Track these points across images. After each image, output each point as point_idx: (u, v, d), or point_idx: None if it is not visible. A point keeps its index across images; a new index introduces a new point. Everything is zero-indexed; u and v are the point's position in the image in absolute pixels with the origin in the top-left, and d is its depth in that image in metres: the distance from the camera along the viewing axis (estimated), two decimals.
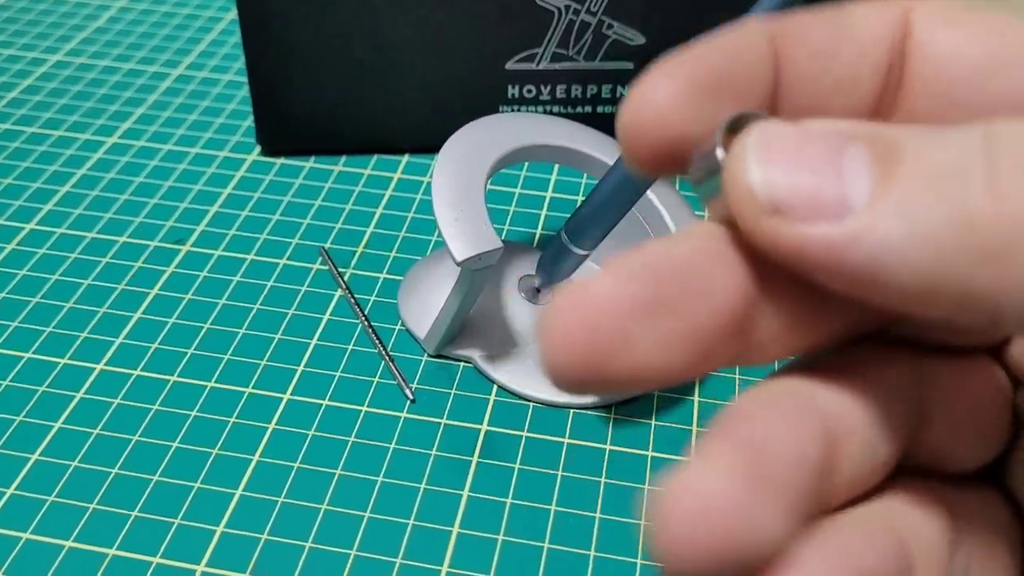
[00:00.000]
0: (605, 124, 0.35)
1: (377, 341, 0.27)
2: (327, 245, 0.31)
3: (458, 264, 0.23)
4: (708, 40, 0.11)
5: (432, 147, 0.35)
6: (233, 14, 0.44)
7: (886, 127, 0.11)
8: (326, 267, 0.30)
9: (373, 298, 0.29)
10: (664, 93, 0.11)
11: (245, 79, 0.37)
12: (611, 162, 0.26)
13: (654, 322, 0.11)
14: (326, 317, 0.28)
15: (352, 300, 0.29)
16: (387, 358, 0.27)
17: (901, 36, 0.12)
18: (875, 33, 0.12)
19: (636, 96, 0.11)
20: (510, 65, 0.33)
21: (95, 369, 0.26)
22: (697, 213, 0.29)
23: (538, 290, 0.27)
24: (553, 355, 0.10)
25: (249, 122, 0.37)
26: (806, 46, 0.12)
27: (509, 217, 0.33)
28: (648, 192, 0.27)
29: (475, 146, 0.26)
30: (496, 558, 0.22)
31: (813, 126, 0.11)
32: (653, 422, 0.25)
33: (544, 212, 0.33)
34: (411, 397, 0.26)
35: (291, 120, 0.34)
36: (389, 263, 0.30)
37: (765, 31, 0.12)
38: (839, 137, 0.10)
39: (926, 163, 0.10)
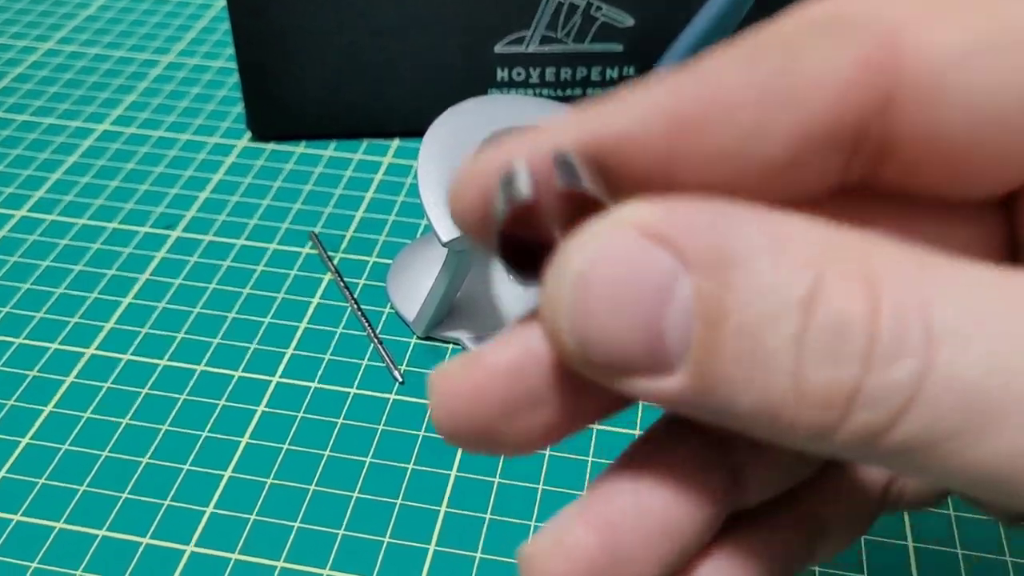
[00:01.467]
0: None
1: (366, 324, 0.27)
2: (317, 229, 0.31)
3: (444, 245, 0.23)
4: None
5: (422, 131, 0.35)
6: (223, 0, 0.44)
7: (723, 256, 0.09)
8: (316, 251, 0.30)
9: (362, 281, 0.29)
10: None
11: (235, 65, 0.37)
12: None
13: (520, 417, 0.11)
14: (315, 301, 0.28)
15: (341, 283, 0.29)
16: (376, 341, 0.27)
17: (882, 82, 0.10)
18: (834, 89, 0.10)
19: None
20: (499, 48, 0.33)
21: (85, 353, 0.27)
22: None
23: None
24: (437, 419, 0.11)
25: (239, 108, 0.37)
26: (720, 133, 0.10)
27: None
28: None
29: (461, 128, 0.26)
30: (483, 536, 0.22)
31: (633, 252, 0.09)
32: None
33: None
34: (400, 379, 0.26)
35: (281, 105, 0.34)
36: (379, 247, 0.30)
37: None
38: (665, 279, 0.09)
39: (744, 332, 0.09)
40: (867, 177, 0.11)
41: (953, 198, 0.11)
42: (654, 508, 0.12)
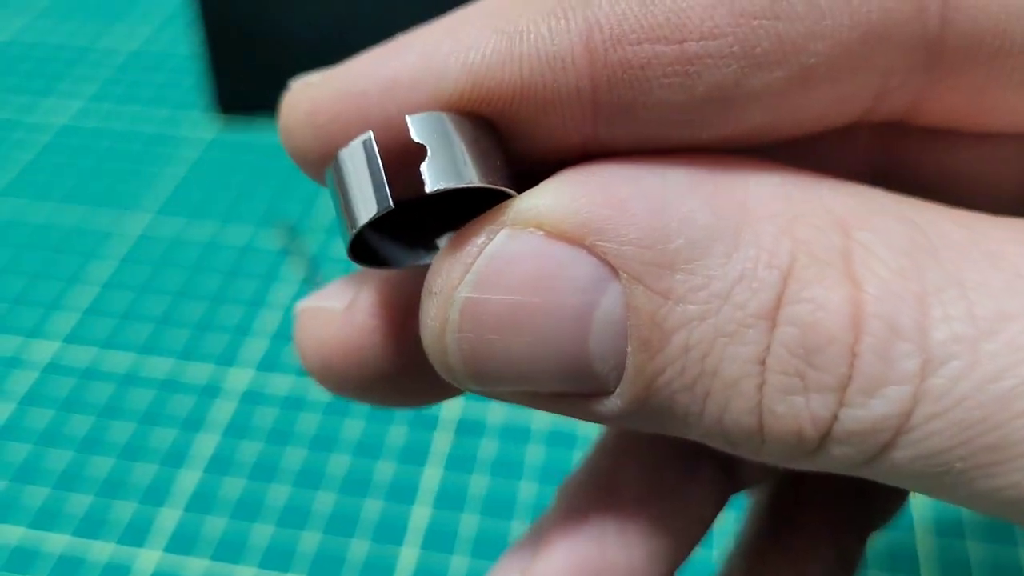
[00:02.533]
0: None
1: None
2: (287, 216, 0.29)
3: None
4: None
5: None
6: None
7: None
8: (286, 237, 0.29)
9: (335, 269, 0.28)
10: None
11: (204, 46, 0.35)
12: None
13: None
14: (285, 291, 0.27)
15: (313, 272, 0.27)
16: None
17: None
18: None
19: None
20: None
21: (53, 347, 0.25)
22: None
23: None
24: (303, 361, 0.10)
25: (205, 81, 0.35)
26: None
27: None
28: None
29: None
30: (463, 534, 0.21)
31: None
32: None
33: None
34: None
35: (249, 78, 0.32)
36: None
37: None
38: (586, 291, 0.07)
39: (692, 356, 0.08)
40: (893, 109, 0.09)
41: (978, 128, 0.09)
42: (624, 558, 0.10)
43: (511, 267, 0.07)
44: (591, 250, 0.07)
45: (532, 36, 0.08)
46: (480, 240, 0.08)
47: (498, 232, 0.07)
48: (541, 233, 0.07)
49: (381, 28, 0.32)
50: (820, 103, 0.08)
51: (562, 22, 0.08)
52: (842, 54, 0.08)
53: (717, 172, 0.08)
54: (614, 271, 0.07)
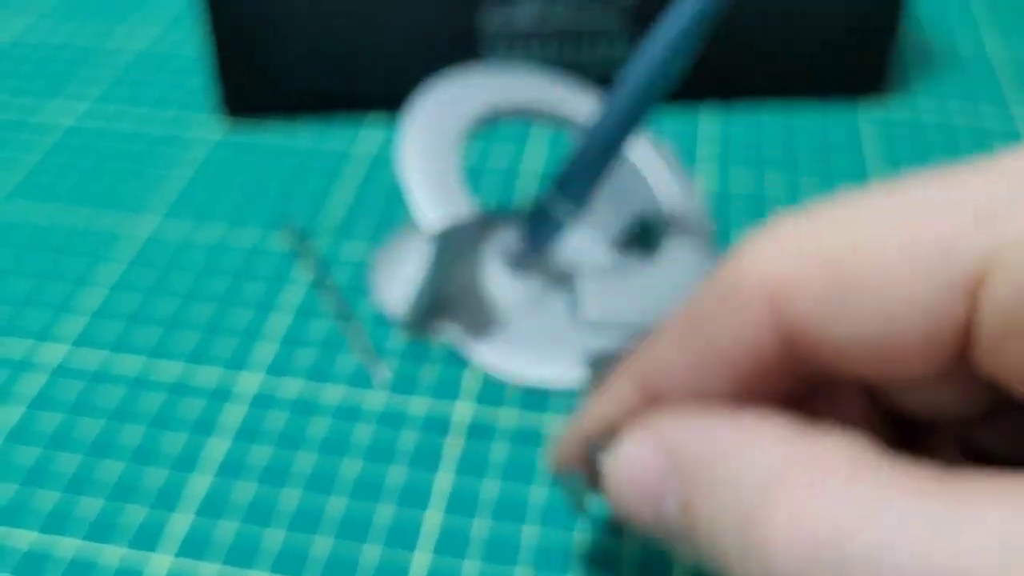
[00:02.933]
0: (586, 74, 0.33)
1: (350, 319, 0.26)
2: (297, 220, 0.29)
3: (429, 233, 0.22)
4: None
5: (406, 104, 0.33)
6: None
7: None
8: (295, 240, 0.28)
9: (344, 271, 0.27)
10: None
11: (211, 48, 0.35)
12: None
13: None
14: (293, 294, 0.27)
15: (323, 276, 0.27)
16: (359, 337, 0.25)
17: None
18: (746, 347, 0.14)
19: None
20: (487, 12, 0.31)
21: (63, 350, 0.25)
22: (677, 168, 0.27)
23: (521, 261, 0.26)
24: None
25: (213, 84, 0.35)
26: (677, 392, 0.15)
27: (490, 184, 0.31)
28: (631, 155, 0.25)
29: (448, 104, 0.24)
30: (474, 540, 0.21)
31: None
32: None
33: (530, 178, 0.31)
34: (385, 375, 0.24)
35: (256, 78, 0.32)
36: (363, 235, 0.29)
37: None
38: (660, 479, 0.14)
39: (705, 529, 0.13)
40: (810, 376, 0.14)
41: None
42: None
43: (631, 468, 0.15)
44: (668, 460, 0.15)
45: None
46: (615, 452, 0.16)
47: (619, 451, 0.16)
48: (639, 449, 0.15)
49: (388, 31, 0.33)
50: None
51: None
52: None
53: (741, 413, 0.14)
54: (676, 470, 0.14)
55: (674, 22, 0.20)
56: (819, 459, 0.12)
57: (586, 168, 0.23)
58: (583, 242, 0.27)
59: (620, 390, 0.15)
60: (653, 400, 0.15)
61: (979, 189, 0.12)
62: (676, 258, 0.23)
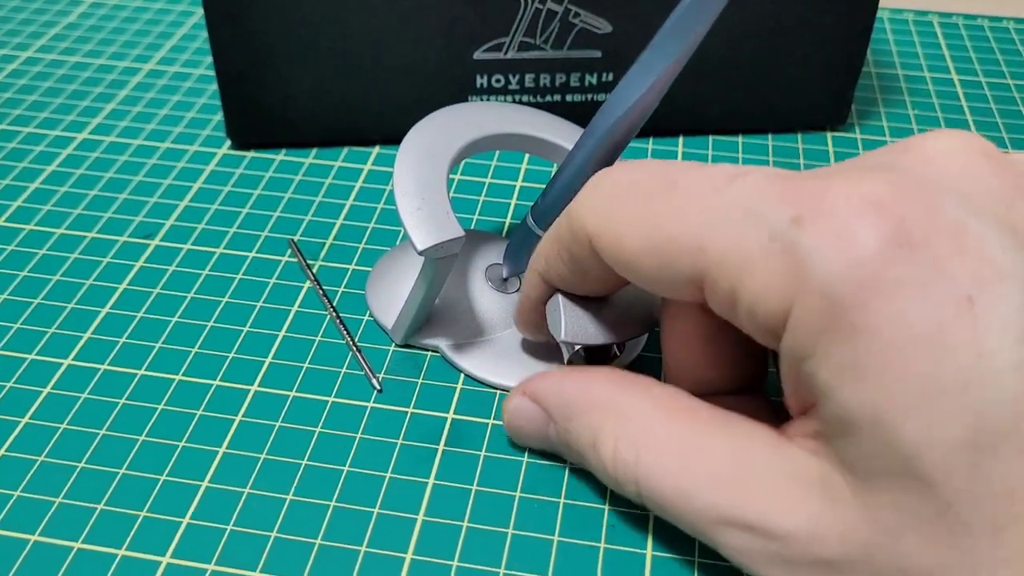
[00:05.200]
0: (573, 112, 0.35)
1: (345, 332, 0.27)
2: (296, 237, 0.31)
3: (420, 253, 0.23)
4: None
5: (402, 138, 0.35)
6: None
7: None
8: (295, 259, 0.30)
9: (342, 289, 0.29)
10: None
11: (215, 73, 0.37)
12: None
13: None
14: (294, 309, 0.28)
15: (320, 291, 0.29)
16: (354, 348, 0.27)
17: None
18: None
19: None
20: (478, 55, 0.33)
21: (62, 364, 0.26)
22: None
23: (505, 279, 0.27)
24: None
25: (219, 116, 0.37)
26: None
27: (478, 207, 0.33)
28: None
29: (437, 135, 0.26)
30: (460, 545, 0.22)
31: None
32: None
33: (514, 202, 0.33)
34: (378, 387, 0.26)
35: (260, 113, 0.34)
36: (358, 254, 0.30)
37: None
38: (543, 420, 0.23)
39: (574, 454, 0.23)
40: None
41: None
42: None
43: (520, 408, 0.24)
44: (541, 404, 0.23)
45: None
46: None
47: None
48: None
49: (386, 69, 0.34)
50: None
51: None
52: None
53: (592, 375, 0.23)
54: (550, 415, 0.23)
55: (657, 52, 0.22)
56: (625, 404, 0.21)
57: (563, 197, 0.24)
58: None
59: (534, 279, 0.23)
60: (549, 287, 0.23)
61: (698, 211, 0.18)
62: None
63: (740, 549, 0.18)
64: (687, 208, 0.18)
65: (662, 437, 0.20)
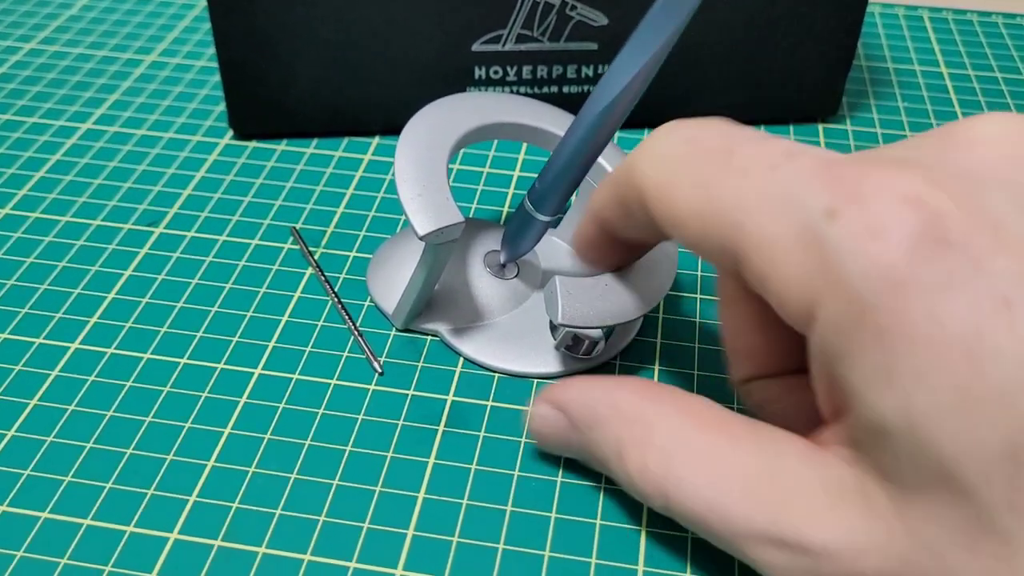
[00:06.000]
0: (571, 103, 0.35)
1: (347, 317, 0.28)
2: (298, 225, 0.32)
3: (421, 239, 0.24)
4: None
5: (402, 128, 0.35)
6: (205, 0, 0.44)
7: None
8: (297, 246, 0.31)
9: (343, 276, 0.30)
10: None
11: (217, 64, 0.37)
12: None
13: None
14: (297, 295, 0.29)
15: (322, 278, 0.29)
16: (356, 333, 0.27)
17: None
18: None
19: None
20: (476, 47, 0.34)
21: (70, 348, 0.27)
22: None
23: (503, 265, 0.28)
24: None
25: (222, 107, 0.37)
26: None
27: (477, 195, 0.33)
28: (600, 158, 0.27)
29: (437, 124, 0.26)
30: (460, 522, 0.23)
31: None
32: None
33: (512, 190, 0.33)
34: (379, 370, 0.26)
35: (262, 104, 0.34)
36: (359, 242, 0.31)
37: None
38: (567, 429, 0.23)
39: (598, 463, 0.22)
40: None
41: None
42: None
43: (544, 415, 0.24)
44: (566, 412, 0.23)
45: None
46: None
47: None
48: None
49: (387, 60, 0.35)
50: None
51: None
52: None
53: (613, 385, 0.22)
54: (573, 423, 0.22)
55: (639, 44, 0.23)
56: (652, 414, 0.20)
57: (558, 182, 0.25)
58: (558, 249, 0.30)
59: (590, 216, 0.24)
60: (602, 227, 0.23)
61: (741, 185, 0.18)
62: (646, 262, 0.25)
63: (775, 566, 0.17)
64: (737, 183, 0.18)
65: (692, 449, 0.19)
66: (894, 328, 0.15)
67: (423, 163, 0.25)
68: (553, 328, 0.26)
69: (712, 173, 0.18)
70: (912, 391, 0.15)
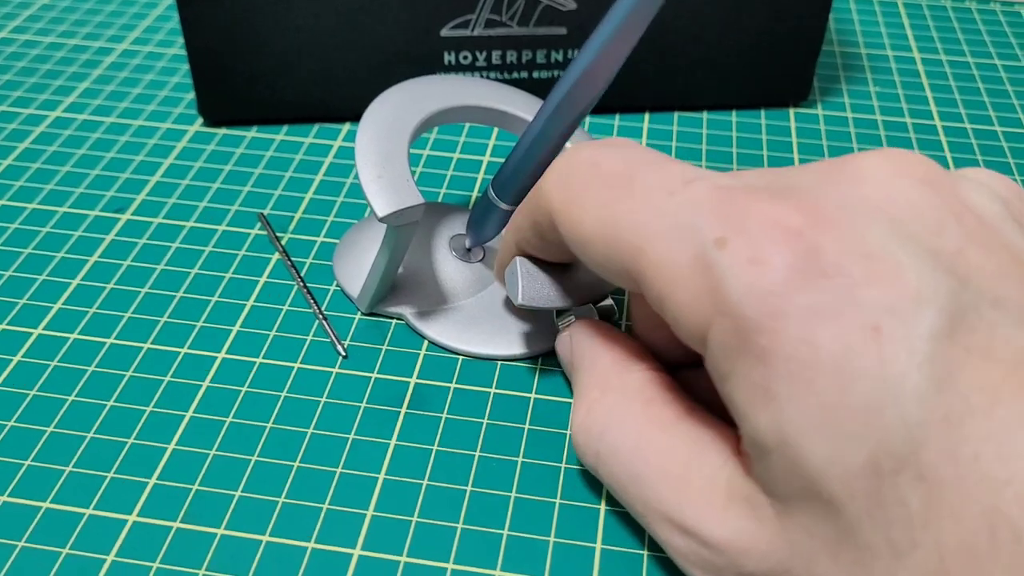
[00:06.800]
0: (541, 89, 0.35)
1: (312, 301, 0.28)
2: (266, 211, 0.32)
3: (380, 220, 0.24)
4: None
5: None
6: None
7: None
8: (264, 232, 0.31)
9: (310, 261, 0.30)
10: None
11: (189, 57, 0.37)
12: None
13: None
14: (262, 280, 0.29)
15: (289, 263, 0.29)
16: (321, 317, 0.27)
17: None
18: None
19: None
20: (445, 32, 0.34)
21: (32, 334, 0.27)
22: None
23: (469, 249, 0.28)
24: None
25: (193, 95, 0.37)
26: None
27: (447, 180, 0.33)
28: (567, 146, 0.27)
29: (400, 107, 0.26)
30: (420, 502, 0.23)
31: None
32: None
33: (481, 176, 0.33)
34: (343, 353, 0.26)
35: (231, 91, 0.34)
36: (326, 227, 0.31)
37: None
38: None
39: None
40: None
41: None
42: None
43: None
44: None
45: None
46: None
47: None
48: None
49: (354, 47, 0.35)
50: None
51: None
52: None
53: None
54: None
55: (607, 30, 0.23)
56: (614, 380, 0.22)
57: (520, 170, 0.25)
58: None
59: (508, 243, 0.24)
60: (521, 252, 0.24)
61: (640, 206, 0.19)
62: None
63: (679, 549, 0.19)
64: (637, 208, 0.19)
65: (630, 421, 0.20)
66: (772, 350, 0.16)
67: (384, 145, 0.25)
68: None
69: (614, 197, 0.19)
70: (785, 409, 0.16)
